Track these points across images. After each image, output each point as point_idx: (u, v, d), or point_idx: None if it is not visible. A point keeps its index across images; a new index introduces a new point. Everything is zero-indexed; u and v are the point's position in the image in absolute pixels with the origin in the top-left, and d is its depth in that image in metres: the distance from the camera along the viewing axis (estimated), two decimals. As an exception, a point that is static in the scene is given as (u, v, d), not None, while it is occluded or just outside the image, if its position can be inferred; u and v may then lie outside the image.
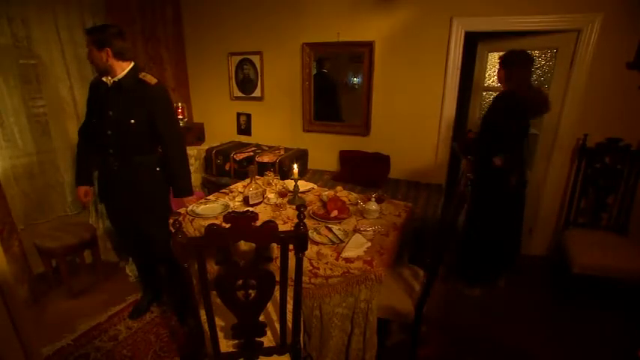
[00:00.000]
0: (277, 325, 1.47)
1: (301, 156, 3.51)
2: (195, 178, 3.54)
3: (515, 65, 2.33)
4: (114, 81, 1.93)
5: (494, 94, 3.09)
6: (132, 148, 2.00)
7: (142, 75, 1.97)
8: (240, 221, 1.16)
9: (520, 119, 2.33)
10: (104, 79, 1.94)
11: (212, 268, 1.82)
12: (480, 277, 2.63)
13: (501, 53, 2.43)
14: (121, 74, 1.92)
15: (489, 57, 3.10)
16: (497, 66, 2.42)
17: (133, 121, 1.94)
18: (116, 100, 1.93)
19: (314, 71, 3.42)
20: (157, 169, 2.10)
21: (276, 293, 1.36)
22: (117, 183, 2.05)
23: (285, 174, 3.13)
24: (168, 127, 2.01)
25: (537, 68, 2.94)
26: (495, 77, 2.69)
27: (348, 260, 1.60)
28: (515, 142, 2.36)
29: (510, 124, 2.30)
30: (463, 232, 2.60)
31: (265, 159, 3.29)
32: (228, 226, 1.16)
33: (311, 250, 1.65)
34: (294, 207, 2.09)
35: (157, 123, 1.97)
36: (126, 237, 2.30)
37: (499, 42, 2.94)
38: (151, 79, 1.96)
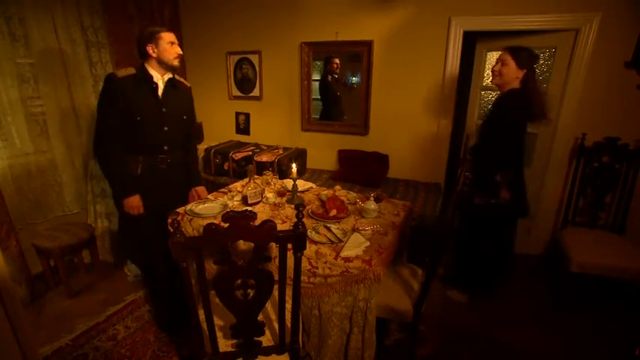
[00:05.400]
0: (276, 325, 1.47)
1: (300, 155, 3.51)
2: (194, 178, 3.54)
3: (532, 65, 2.12)
4: (169, 78, 2.04)
5: (494, 94, 3.09)
6: (181, 143, 2.17)
7: (175, 76, 2.13)
8: (239, 221, 1.15)
9: (525, 124, 2.12)
10: (155, 77, 1.98)
11: (211, 267, 1.82)
12: (475, 286, 2.56)
13: (499, 52, 2.28)
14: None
15: (488, 56, 3.10)
16: (502, 62, 2.13)
17: (185, 117, 2.15)
18: (170, 97, 2.05)
19: (318, 76, 3.44)
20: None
21: (275, 293, 1.36)
22: (164, 182, 2.10)
23: (283, 173, 3.13)
24: (195, 124, 2.35)
25: (535, 67, 2.94)
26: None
27: (346, 259, 1.59)
28: (519, 153, 2.15)
29: (522, 126, 2.09)
30: (459, 238, 2.52)
31: (264, 158, 3.29)
32: (226, 225, 1.16)
33: (310, 250, 1.65)
34: (293, 206, 2.09)
35: (193, 120, 2.27)
36: (153, 239, 2.12)
37: (497, 41, 2.94)
38: (184, 80, 2.22)
